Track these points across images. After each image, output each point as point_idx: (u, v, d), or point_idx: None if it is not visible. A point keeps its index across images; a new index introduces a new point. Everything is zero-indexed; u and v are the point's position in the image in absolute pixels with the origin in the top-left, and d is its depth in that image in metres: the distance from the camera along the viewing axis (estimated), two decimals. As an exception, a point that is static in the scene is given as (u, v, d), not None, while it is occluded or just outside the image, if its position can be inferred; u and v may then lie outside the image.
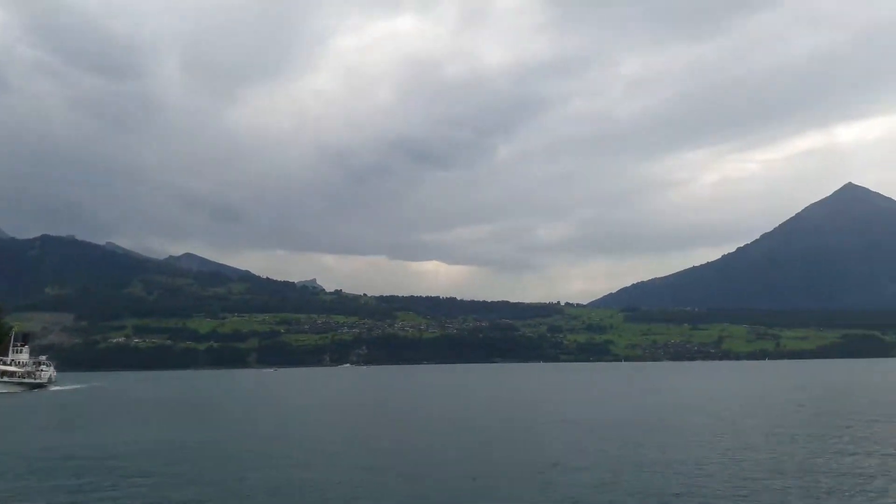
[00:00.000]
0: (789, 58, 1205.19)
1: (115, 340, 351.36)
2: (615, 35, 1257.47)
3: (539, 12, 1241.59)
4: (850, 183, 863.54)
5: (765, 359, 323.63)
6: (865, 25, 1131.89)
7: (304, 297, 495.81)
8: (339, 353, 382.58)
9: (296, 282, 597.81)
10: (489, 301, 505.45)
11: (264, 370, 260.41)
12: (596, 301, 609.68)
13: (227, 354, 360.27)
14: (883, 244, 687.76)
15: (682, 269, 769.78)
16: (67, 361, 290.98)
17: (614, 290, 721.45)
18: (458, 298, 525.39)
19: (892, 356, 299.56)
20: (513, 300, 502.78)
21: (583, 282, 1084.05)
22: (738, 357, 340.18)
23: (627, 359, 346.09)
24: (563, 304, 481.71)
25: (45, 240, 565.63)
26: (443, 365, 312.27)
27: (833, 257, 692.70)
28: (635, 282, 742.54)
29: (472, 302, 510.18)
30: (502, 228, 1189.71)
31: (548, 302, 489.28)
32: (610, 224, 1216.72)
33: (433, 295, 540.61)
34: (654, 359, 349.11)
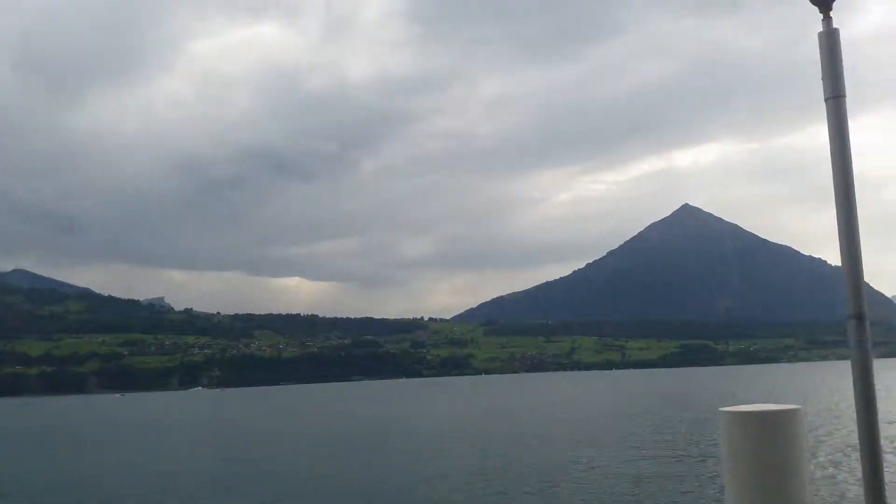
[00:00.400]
0: (633, 85, 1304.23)
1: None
2: (476, 55, 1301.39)
3: (402, 28, 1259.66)
4: (686, 204, 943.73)
5: (612, 369, 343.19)
6: (699, 57, 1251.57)
7: (150, 317, 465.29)
8: (189, 375, 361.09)
9: (141, 300, 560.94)
10: (352, 318, 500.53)
11: (110, 395, 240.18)
12: (458, 315, 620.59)
13: (63, 379, 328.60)
14: (715, 261, 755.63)
15: (536, 283, 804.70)
16: None
17: (475, 305, 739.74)
18: (320, 315, 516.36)
19: (725, 364, 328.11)
20: (377, 316, 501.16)
21: (446, 296, 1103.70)
22: (588, 367, 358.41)
23: (487, 372, 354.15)
24: (426, 319, 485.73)
25: None
26: (302, 385, 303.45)
27: (671, 273, 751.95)
28: (494, 296, 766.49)
29: (335, 319, 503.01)
30: (366, 243, 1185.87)
31: (411, 317, 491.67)
32: (471, 240, 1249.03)
33: (293, 312, 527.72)
34: (513, 371, 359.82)
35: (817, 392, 65.78)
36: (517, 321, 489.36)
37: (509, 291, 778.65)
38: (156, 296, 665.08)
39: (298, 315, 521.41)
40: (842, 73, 2.24)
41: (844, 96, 2.24)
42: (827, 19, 2.30)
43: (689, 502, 17.86)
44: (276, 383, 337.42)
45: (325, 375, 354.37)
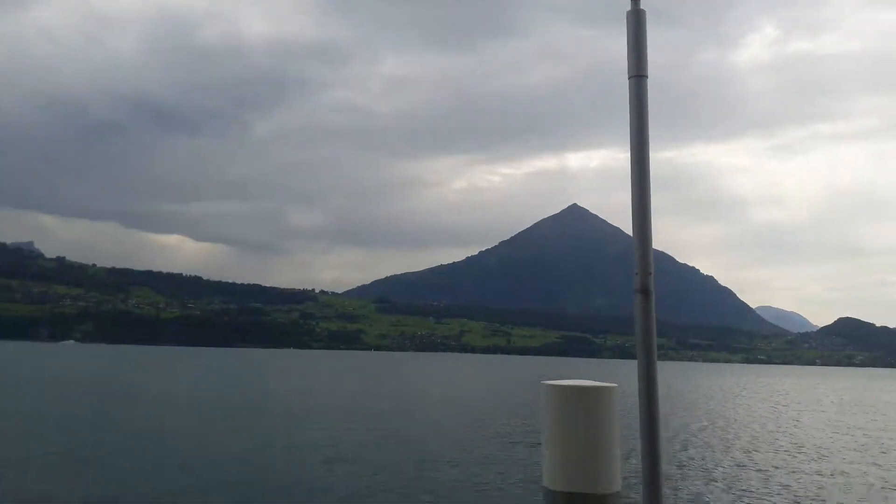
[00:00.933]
0: (530, 85, 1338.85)
1: None
2: (379, 32, 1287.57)
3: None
4: (574, 204, 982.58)
5: (498, 353, 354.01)
6: (592, 65, 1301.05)
7: (17, 261, 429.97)
8: (59, 327, 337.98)
9: (8, 243, 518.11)
10: (238, 283, 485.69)
11: None
12: (350, 291, 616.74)
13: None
14: (597, 260, 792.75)
15: (430, 265, 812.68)
16: None
17: (367, 282, 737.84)
18: (204, 278, 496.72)
19: (602, 357, 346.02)
20: (264, 284, 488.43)
21: (337, 271, 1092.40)
22: (475, 350, 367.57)
23: (377, 348, 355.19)
24: (317, 291, 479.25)
25: None
26: (182, 348, 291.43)
27: (557, 267, 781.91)
28: (388, 275, 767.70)
29: (219, 283, 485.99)
30: (253, 208, 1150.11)
31: (301, 288, 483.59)
32: (365, 216, 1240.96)
33: (175, 272, 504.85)
34: (402, 349, 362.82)
35: (674, 387, 71.03)
36: (409, 301, 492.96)
37: (403, 271, 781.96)
38: (24, 240, 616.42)
39: (181, 275, 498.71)
40: (645, 53, 2.28)
41: (646, 76, 2.29)
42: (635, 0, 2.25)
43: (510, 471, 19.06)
44: (154, 343, 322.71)
45: (207, 339, 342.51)
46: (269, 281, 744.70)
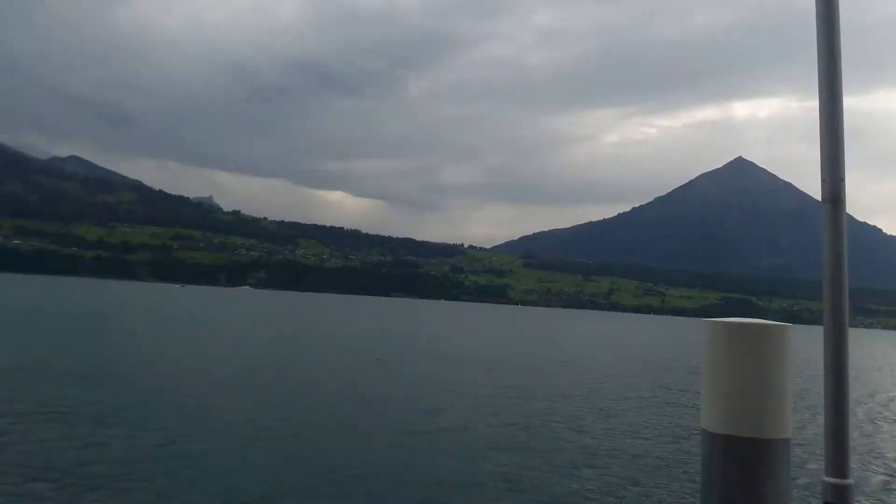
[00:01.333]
0: (692, 31, 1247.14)
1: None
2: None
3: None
4: (740, 157, 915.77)
5: (650, 313, 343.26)
6: (765, 10, 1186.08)
7: (199, 214, 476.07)
8: (236, 274, 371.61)
9: (191, 197, 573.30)
10: (393, 237, 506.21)
11: (171, 286, 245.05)
12: (497, 246, 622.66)
13: (116, 265, 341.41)
14: (764, 217, 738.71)
15: (579, 222, 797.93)
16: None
17: (515, 238, 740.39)
18: (363, 231, 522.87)
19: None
20: (417, 238, 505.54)
21: (485, 226, 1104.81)
22: (625, 309, 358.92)
23: (523, 303, 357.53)
24: (466, 246, 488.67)
25: None
26: (346, 296, 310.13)
27: (719, 225, 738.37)
28: (535, 231, 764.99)
29: (377, 236, 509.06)
30: (409, 165, 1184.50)
31: (452, 243, 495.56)
32: (515, 172, 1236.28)
33: (337, 225, 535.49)
34: (548, 305, 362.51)
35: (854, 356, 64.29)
36: (557, 257, 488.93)
37: (551, 227, 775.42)
38: (205, 195, 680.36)
39: (342, 229, 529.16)
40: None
41: None
42: None
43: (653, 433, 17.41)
44: (320, 290, 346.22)
45: (366, 289, 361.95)
46: (422, 235, 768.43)
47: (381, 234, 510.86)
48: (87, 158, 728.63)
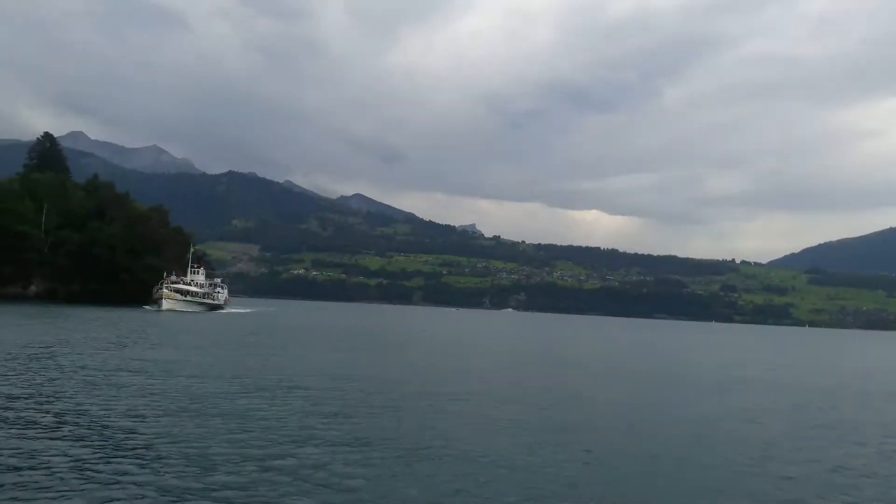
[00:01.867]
0: None
1: (295, 272, 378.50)
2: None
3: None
4: None
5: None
6: None
7: (463, 241, 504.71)
8: (498, 297, 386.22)
9: (456, 225, 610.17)
10: (654, 255, 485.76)
11: (447, 310, 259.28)
12: (775, 261, 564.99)
13: (394, 291, 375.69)
14: None
15: (875, 230, 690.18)
16: (254, 289, 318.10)
17: (797, 251, 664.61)
18: (620, 250, 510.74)
19: None
20: (679, 255, 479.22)
21: (759, 239, 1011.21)
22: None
23: (812, 324, 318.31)
24: (737, 261, 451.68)
25: (232, 176, 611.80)
26: (606, 317, 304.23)
27: None
28: (821, 241, 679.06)
29: (635, 255, 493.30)
30: (667, 178, 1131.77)
31: (720, 259, 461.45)
32: (791, 177, 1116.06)
33: (593, 245, 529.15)
34: (842, 326, 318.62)
35: None
36: (850, 271, 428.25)
37: (840, 237, 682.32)
38: (468, 222, 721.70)
39: (598, 248, 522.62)
40: None
41: None
42: None
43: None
44: (578, 312, 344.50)
45: (626, 310, 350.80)
46: (685, 252, 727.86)
47: (640, 252, 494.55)
48: (369, 195, 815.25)
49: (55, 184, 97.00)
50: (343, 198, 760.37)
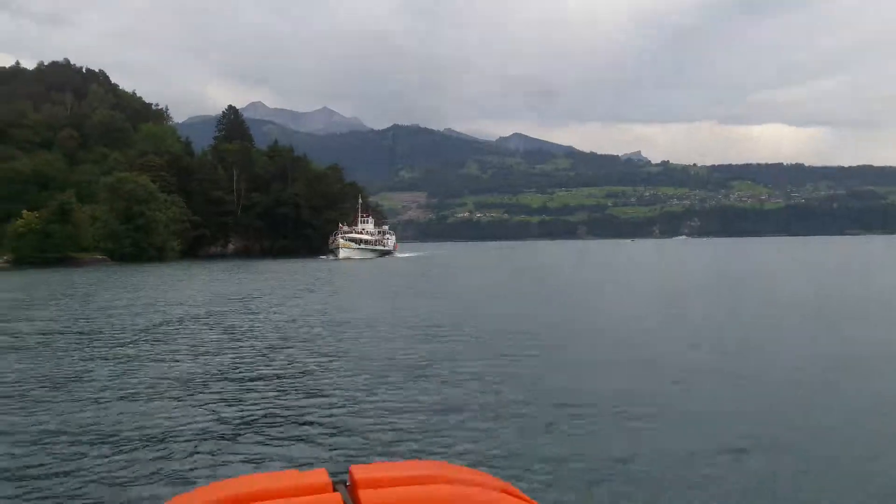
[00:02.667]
0: None
1: (459, 215, 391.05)
2: None
3: None
4: None
5: None
6: None
7: (628, 170, 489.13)
8: (668, 225, 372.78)
9: (619, 155, 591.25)
10: (845, 166, 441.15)
11: (622, 241, 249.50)
12: None
13: (558, 227, 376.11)
14: None
15: None
16: (424, 233, 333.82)
17: None
18: (806, 165, 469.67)
19: None
20: (876, 163, 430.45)
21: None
22: None
23: None
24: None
25: (396, 129, 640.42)
26: (790, 238, 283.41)
27: None
28: None
29: (824, 168, 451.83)
30: (854, 80, 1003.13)
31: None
32: None
33: (774, 162, 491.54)
34: None
35: None
36: None
37: None
38: (632, 150, 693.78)
39: (781, 164, 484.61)
40: None
41: None
42: None
43: None
44: (759, 235, 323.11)
45: (813, 228, 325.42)
46: (881, 160, 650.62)
47: (829, 165, 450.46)
48: (526, 134, 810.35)
49: (242, 152, 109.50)
50: (502, 139, 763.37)
